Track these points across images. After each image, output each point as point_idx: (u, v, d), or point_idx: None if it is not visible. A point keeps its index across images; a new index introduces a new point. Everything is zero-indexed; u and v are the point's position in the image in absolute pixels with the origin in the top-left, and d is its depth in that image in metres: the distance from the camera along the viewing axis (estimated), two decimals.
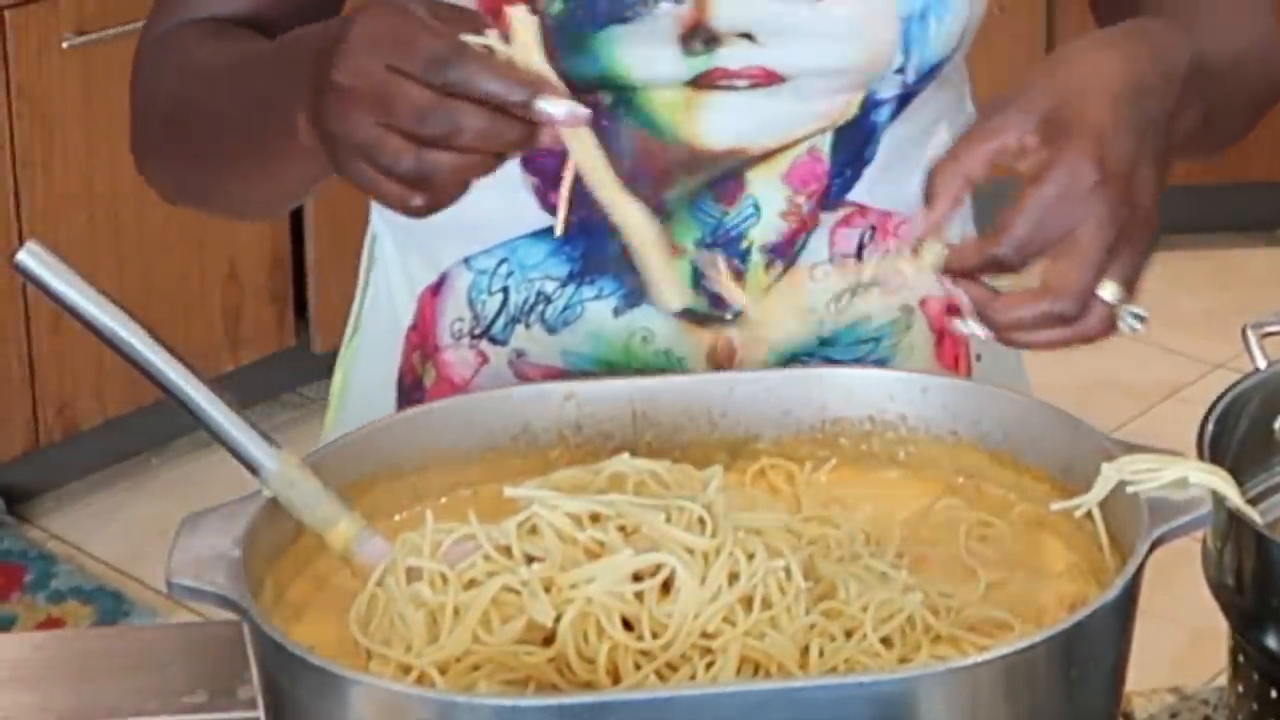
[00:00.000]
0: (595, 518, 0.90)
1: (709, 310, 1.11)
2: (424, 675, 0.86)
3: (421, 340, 1.17)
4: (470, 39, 0.90)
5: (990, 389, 1.03)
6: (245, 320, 2.94)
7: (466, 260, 1.13)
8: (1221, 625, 0.99)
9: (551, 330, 1.12)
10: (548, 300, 1.12)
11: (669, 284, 0.94)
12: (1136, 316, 0.94)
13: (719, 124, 1.09)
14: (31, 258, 0.91)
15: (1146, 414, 2.91)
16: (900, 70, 1.10)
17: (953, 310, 0.97)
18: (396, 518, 0.98)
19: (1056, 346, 0.94)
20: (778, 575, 0.88)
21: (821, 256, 1.12)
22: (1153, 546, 0.87)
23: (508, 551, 0.90)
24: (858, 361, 1.14)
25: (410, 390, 1.18)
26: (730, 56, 1.08)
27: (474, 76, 0.88)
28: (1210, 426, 0.98)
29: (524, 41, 0.91)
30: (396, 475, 0.99)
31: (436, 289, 1.15)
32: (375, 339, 1.21)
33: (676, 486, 0.94)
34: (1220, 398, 1.00)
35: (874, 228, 1.13)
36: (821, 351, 1.13)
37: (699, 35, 1.07)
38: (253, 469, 0.92)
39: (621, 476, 0.94)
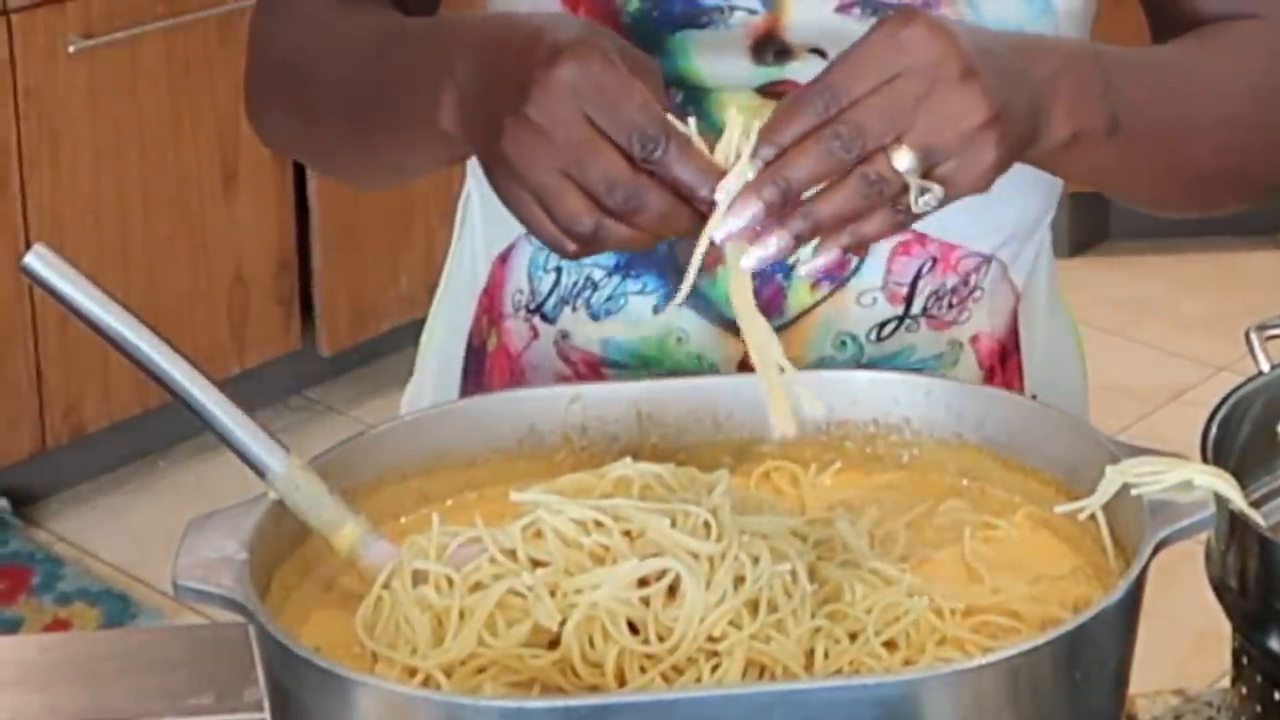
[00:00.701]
0: (600, 523, 0.90)
1: None
2: (429, 678, 0.87)
3: (490, 304, 1.18)
4: (675, 123, 0.90)
5: (994, 391, 1.03)
6: (251, 323, 2.95)
7: (529, 234, 1.13)
8: (1225, 627, 0.99)
9: (595, 317, 1.13)
10: (595, 287, 1.13)
11: (780, 409, 0.94)
12: (926, 192, 0.90)
13: None
14: (39, 261, 0.92)
15: (1150, 416, 2.91)
16: None
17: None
18: (402, 520, 0.99)
19: (871, 229, 0.89)
20: (783, 579, 0.88)
21: (874, 283, 1.11)
22: (1156, 549, 0.87)
23: (513, 555, 0.90)
24: None
25: (476, 351, 1.19)
26: (800, 70, 1.08)
27: (674, 161, 0.89)
28: (1213, 429, 0.98)
29: (730, 137, 0.91)
30: (402, 478, 0.99)
31: (505, 256, 1.17)
32: (456, 296, 1.22)
33: (681, 490, 0.94)
34: (1223, 400, 1.00)
35: (934, 259, 1.12)
36: None
37: (771, 47, 1.08)
38: (259, 472, 0.93)
39: (627, 480, 0.94)
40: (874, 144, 0.88)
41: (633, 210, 0.89)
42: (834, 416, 1.02)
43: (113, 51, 2.70)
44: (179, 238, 2.83)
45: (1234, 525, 0.95)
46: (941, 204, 0.91)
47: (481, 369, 1.19)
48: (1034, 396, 1.18)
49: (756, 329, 0.93)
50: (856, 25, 1.07)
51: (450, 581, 0.89)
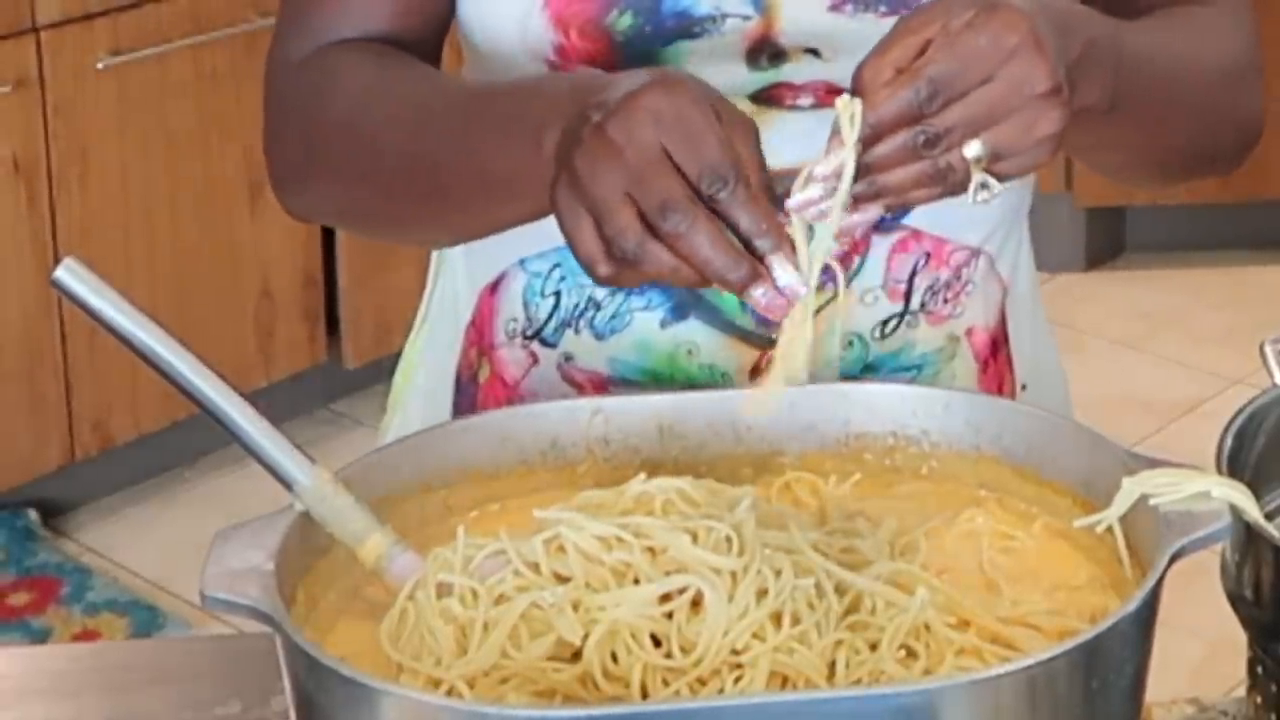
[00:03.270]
0: (621, 539, 0.90)
1: (755, 328, 1.12)
2: (453, 689, 0.87)
3: (479, 337, 1.18)
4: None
5: (1011, 404, 1.04)
6: (278, 337, 2.96)
7: (522, 261, 1.14)
8: (1240, 637, 1.00)
9: (599, 337, 1.13)
10: (598, 307, 1.13)
11: (762, 394, 0.94)
12: (985, 186, 0.93)
13: (779, 143, 1.08)
14: (69, 274, 0.93)
15: (1166, 429, 2.91)
16: None
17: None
18: (428, 531, 0.99)
19: (921, 197, 0.93)
20: (807, 592, 0.89)
21: (875, 282, 1.12)
22: (1172, 559, 0.88)
23: (537, 568, 0.90)
24: None
25: (466, 385, 1.19)
26: (795, 72, 1.08)
27: (737, 203, 0.89)
28: (1229, 441, 0.99)
29: (839, 123, 0.93)
30: (427, 490, 1.00)
31: (494, 287, 1.17)
32: (439, 332, 1.22)
33: (705, 505, 0.94)
34: (1239, 412, 1.01)
35: (928, 254, 1.13)
36: (865, 377, 1.14)
37: (765, 50, 1.08)
38: (287, 484, 0.93)
39: (648, 496, 0.94)
40: (955, 142, 0.91)
41: (680, 236, 0.89)
42: (852, 429, 1.03)
43: (141, 68, 2.72)
44: (206, 252, 2.84)
45: (1249, 536, 0.96)
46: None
47: (473, 402, 1.19)
48: (1024, 386, 1.20)
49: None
50: (849, 22, 1.07)
51: (475, 594, 0.90)
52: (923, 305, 1.13)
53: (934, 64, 0.91)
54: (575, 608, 0.88)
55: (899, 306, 1.13)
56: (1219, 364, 3.09)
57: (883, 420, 1.03)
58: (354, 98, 1.09)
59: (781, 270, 0.91)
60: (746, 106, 1.08)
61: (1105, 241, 3.44)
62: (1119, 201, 3.37)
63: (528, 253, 1.13)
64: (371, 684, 0.84)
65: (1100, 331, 3.23)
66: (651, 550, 0.90)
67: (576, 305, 1.13)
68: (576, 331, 1.14)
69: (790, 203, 0.92)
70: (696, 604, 0.88)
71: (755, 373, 1.12)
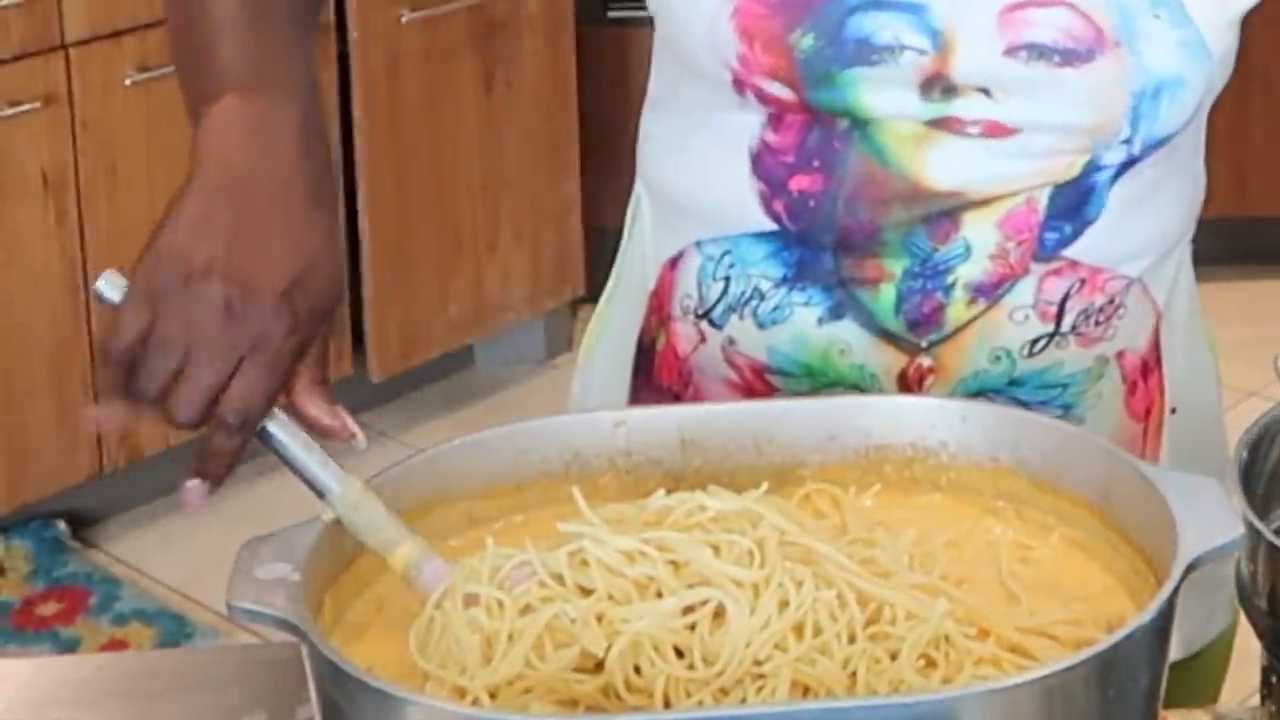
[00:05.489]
0: (644, 553, 0.91)
1: (906, 335, 1.14)
2: (477, 699, 0.88)
3: (660, 306, 1.21)
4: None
5: (1028, 416, 1.04)
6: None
7: (699, 243, 1.17)
8: (1255, 646, 1.00)
9: (761, 326, 1.16)
10: (762, 297, 1.16)
11: None
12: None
13: (944, 165, 1.11)
14: (108, 285, 0.94)
15: None
16: (1127, 141, 1.11)
17: None
18: (452, 543, 1.00)
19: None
20: (829, 604, 0.90)
21: (1026, 301, 1.13)
22: (1188, 569, 0.88)
23: (561, 579, 0.91)
24: (1043, 405, 1.14)
25: (647, 349, 1.22)
26: (965, 107, 1.10)
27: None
28: (1243, 453, 0.99)
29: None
30: (452, 501, 1.01)
31: (675, 262, 1.19)
32: (627, 294, 1.25)
33: (725, 520, 0.94)
34: (1253, 425, 1.02)
35: (1082, 281, 1.14)
36: (1009, 391, 1.15)
37: (937, 85, 1.10)
38: (319, 492, 0.95)
39: (669, 509, 0.95)
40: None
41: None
42: (873, 441, 1.04)
43: (168, 84, 2.73)
44: None
45: (1263, 546, 0.96)
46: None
47: (651, 366, 1.22)
48: (1174, 410, 1.20)
49: None
50: (1023, 68, 1.09)
51: (501, 604, 0.90)
52: (1074, 328, 1.14)
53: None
54: (599, 619, 0.89)
55: (1049, 327, 1.14)
56: (1233, 377, 3.08)
57: (902, 432, 1.03)
58: None
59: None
60: (916, 130, 1.11)
61: None
62: None
63: (704, 235, 1.17)
64: (397, 693, 0.84)
65: None
66: (674, 563, 0.91)
67: (743, 293, 1.16)
68: (741, 318, 1.17)
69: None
70: (719, 616, 0.89)
71: (903, 376, 1.14)
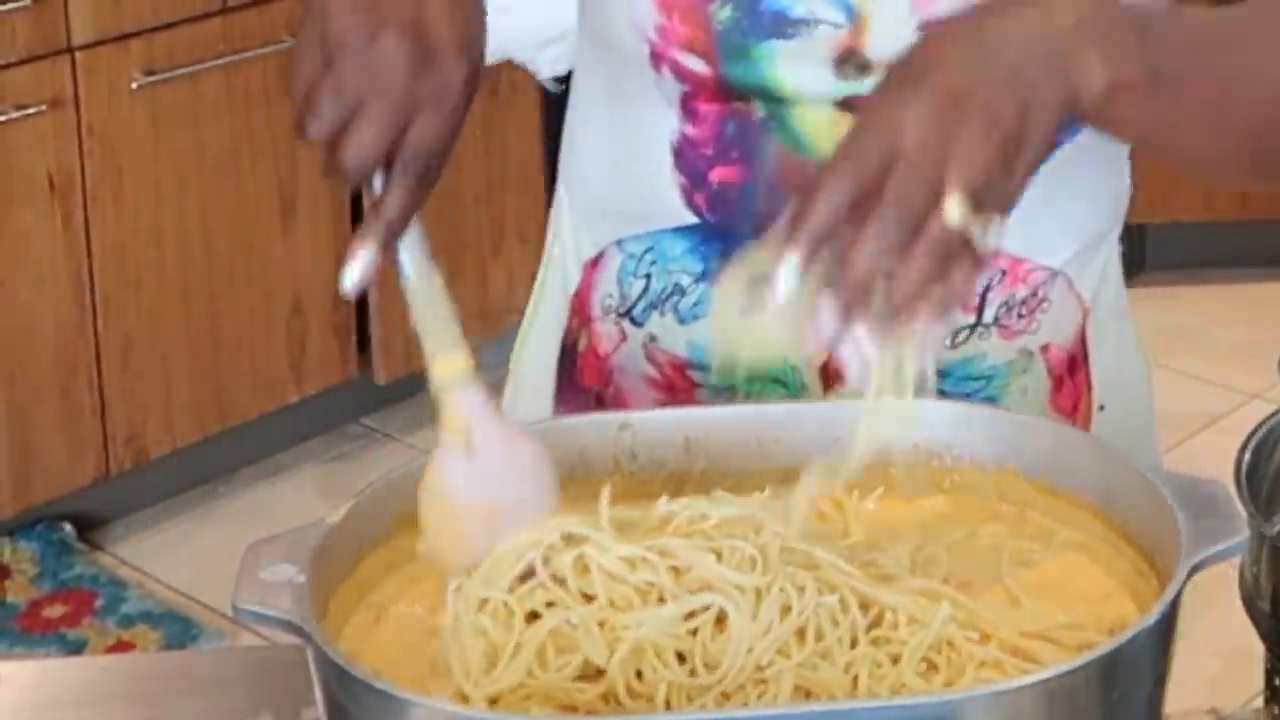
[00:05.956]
0: (646, 559, 0.91)
1: None
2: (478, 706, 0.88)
3: (581, 307, 1.22)
4: None
5: (1031, 419, 1.04)
6: (309, 352, 2.98)
7: (619, 242, 1.18)
8: (1258, 648, 1.00)
9: (682, 321, 1.17)
10: (682, 293, 1.16)
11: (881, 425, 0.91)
12: (986, 229, 0.87)
13: None
14: None
15: (1185, 443, 2.91)
16: None
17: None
18: None
19: (933, 303, 0.87)
20: (831, 609, 0.90)
21: None
22: (1191, 572, 0.89)
23: (564, 583, 0.91)
24: (968, 398, 1.14)
25: (569, 351, 1.23)
26: None
27: None
28: (1246, 455, 0.99)
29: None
30: None
31: (595, 262, 1.20)
32: (550, 298, 1.26)
33: (728, 526, 0.94)
34: (1257, 428, 1.02)
35: (1004, 271, 1.14)
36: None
37: (852, 61, 1.10)
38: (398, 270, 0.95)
39: (672, 516, 0.95)
40: (922, 206, 0.87)
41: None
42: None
43: (174, 88, 2.74)
44: (239, 269, 2.86)
45: (1267, 549, 0.97)
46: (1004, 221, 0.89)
47: (574, 368, 1.23)
48: (1101, 408, 1.20)
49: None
50: None
51: (508, 607, 0.91)
52: (996, 319, 1.15)
53: (844, 157, 0.89)
54: (601, 626, 0.89)
55: (971, 318, 1.14)
56: (1237, 379, 3.09)
57: (905, 435, 1.04)
58: None
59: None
60: (830, 112, 1.11)
61: (1127, 259, 3.44)
62: (1139, 219, 3.37)
63: (626, 233, 1.17)
64: (403, 695, 0.85)
65: None
66: (676, 569, 0.91)
67: (664, 289, 1.17)
68: (662, 314, 1.17)
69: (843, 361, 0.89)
70: (721, 621, 0.89)
71: (825, 369, 1.14)
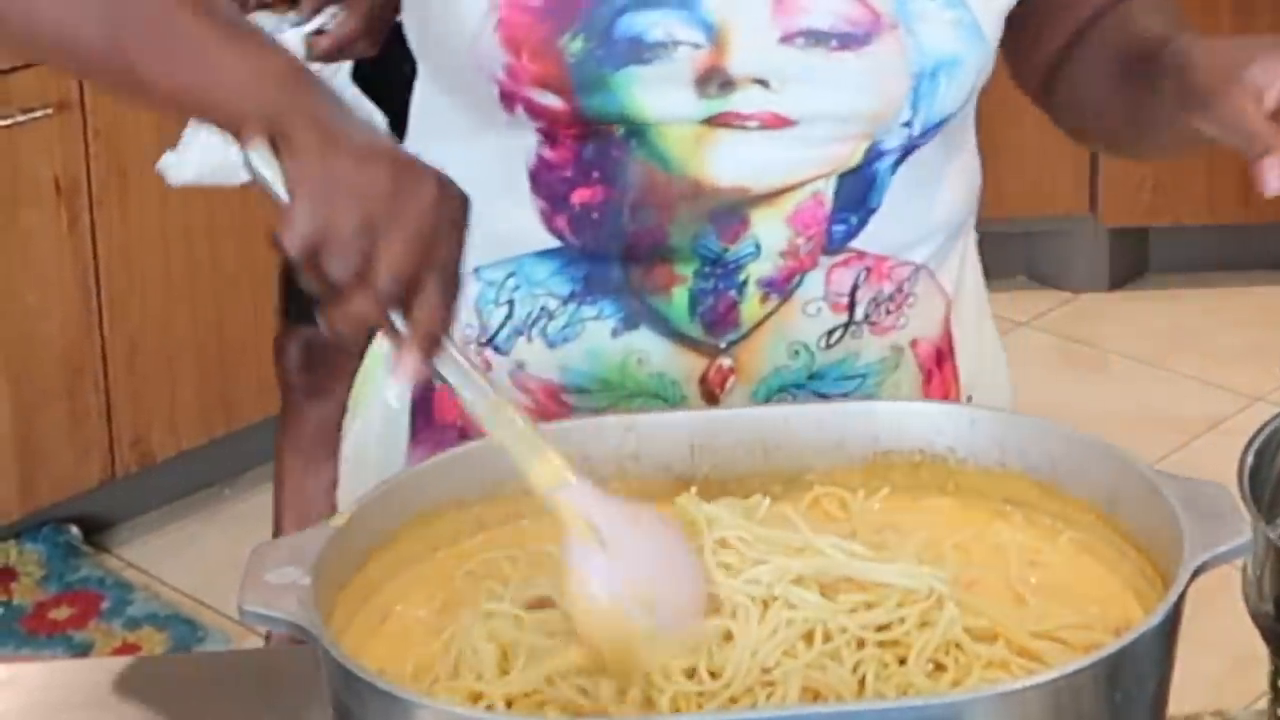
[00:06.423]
0: None
1: (704, 337, 1.13)
2: (492, 704, 0.89)
3: None
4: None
5: (1036, 421, 1.04)
6: None
7: (477, 270, 1.15)
8: (1262, 650, 1.01)
9: (551, 345, 1.14)
10: (550, 316, 1.14)
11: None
12: None
13: (726, 161, 1.10)
14: (259, 158, 0.94)
15: (1188, 446, 2.91)
16: (907, 124, 1.11)
17: None
18: (461, 546, 1.01)
19: None
20: (836, 613, 0.90)
21: (816, 294, 1.13)
22: (1195, 574, 0.89)
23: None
24: (844, 398, 1.15)
25: (424, 387, 1.18)
26: (743, 101, 1.09)
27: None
28: (1249, 458, 0.99)
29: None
30: (461, 506, 1.02)
31: None
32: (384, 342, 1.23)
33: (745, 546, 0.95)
34: (1260, 430, 1.02)
35: (869, 269, 1.14)
36: (810, 385, 1.15)
37: (714, 79, 1.09)
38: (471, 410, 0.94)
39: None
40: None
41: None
42: (880, 446, 1.04)
43: None
44: (244, 274, 2.86)
45: (1269, 551, 0.97)
46: None
47: (429, 404, 1.19)
48: (969, 398, 1.21)
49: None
50: (800, 55, 1.09)
51: (519, 619, 0.91)
52: (867, 317, 1.15)
53: None
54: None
55: (843, 318, 1.14)
56: (1240, 382, 3.10)
57: (910, 437, 1.04)
58: None
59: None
60: (694, 130, 1.10)
61: (1129, 261, 3.46)
62: (1143, 222, 3.38)
63: (482, 262, 1.15)
64: (408, 697, 0.85)
65: (1123, 350, 3.24)
66: None
67: (530, 314, 1.15)
68: (529, 340, 1.15)
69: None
70: (728, 639, 0.90)
71: (704, 380, 1.14)
